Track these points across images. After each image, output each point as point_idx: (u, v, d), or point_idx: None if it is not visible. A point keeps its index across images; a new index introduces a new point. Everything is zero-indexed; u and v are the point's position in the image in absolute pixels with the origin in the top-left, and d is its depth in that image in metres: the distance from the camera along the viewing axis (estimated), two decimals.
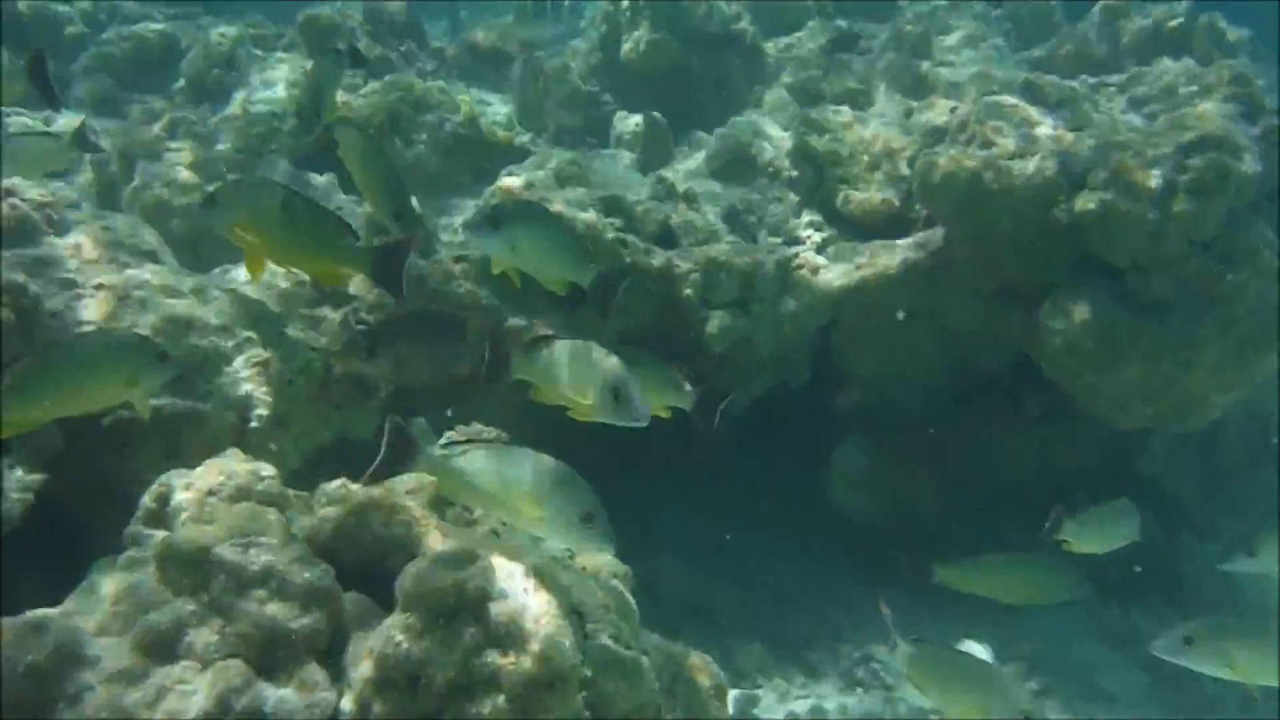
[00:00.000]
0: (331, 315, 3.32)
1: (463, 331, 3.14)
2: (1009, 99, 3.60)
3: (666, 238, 3.64)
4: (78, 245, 2.83)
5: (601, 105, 5.72)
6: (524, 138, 5.37)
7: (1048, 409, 3.74)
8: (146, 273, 2.88)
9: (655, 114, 5.09)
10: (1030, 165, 3.29)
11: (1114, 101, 3.68)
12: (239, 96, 4.92)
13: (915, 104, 3.96)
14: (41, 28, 5.29)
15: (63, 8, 5.40)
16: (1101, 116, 3.48)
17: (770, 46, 5.56)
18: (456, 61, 5.89)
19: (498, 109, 5.66)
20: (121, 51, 5.17)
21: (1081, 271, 3.30)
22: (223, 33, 5.14)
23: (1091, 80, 3.96)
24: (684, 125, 5.26)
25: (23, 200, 2.76)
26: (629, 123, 5.34)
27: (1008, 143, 3.36)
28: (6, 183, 2.77)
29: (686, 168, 4.22)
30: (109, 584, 2.16)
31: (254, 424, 2.89)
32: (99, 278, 2.80)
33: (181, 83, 5.15)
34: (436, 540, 2.39)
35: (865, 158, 3.70)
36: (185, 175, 4.12)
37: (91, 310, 2.74)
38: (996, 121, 3.41)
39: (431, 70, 5.64)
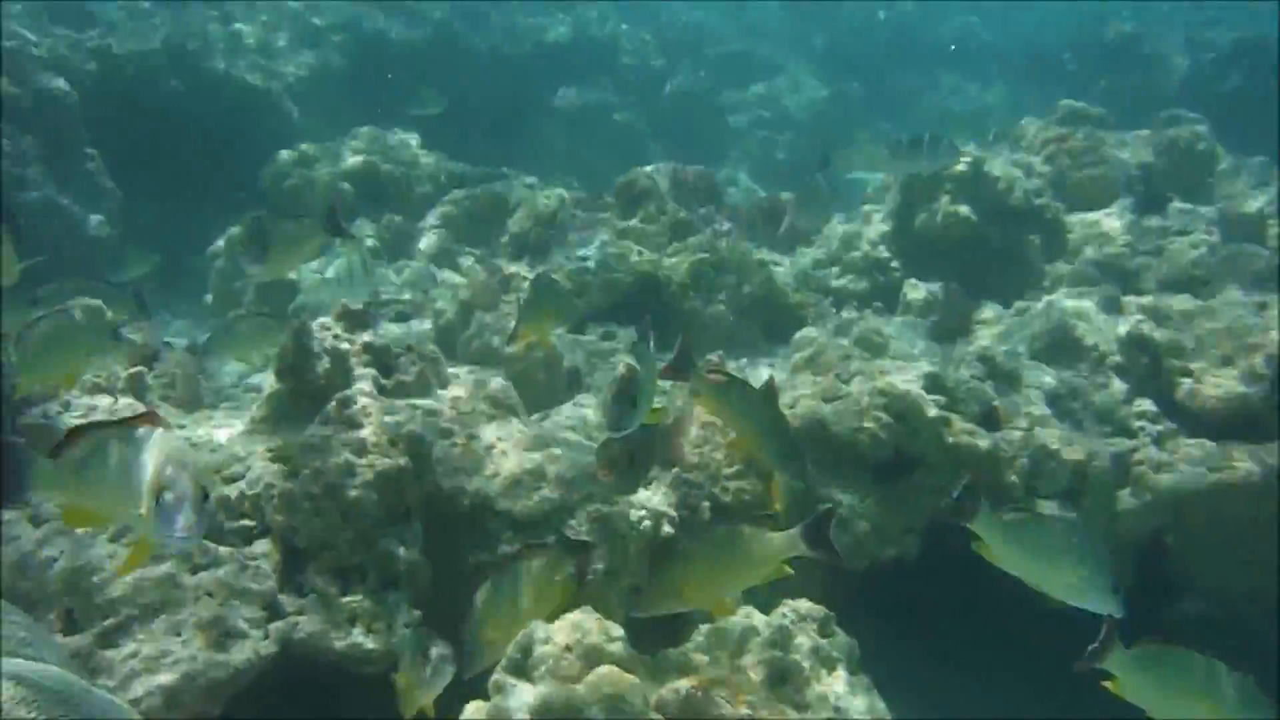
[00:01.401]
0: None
1: None
2: None
3: (989, 418, 3.55)
4: (457, 398, 3.14)
5: (889, 271, 5.78)
6: (813, 300, 5.51)
7: None
8: (512, 427, 3.14)
9: (954, 284, 5.08)
10: None
11: None
12: (559, 252, 5.39)
13: (1267, 297, 3.71)
14: (398, 187, 6.10)
15: (413, 172, 6.21)
16: None
17: (1072, 221, 5.45)
18: (750, 222, 6.17)
19: (787, 271, 5.87)
20: (460, 210, 5.84)
21: None
22: (548, 195, 5.69)
23: None
24: (974, 296, 5.21)
25: (421, 356, 3.11)
26: (921, 291, 5.35)
27: None
28: (409, 341, 3.15)
29: (999, 344, 4.13)
30: None
31: (590, 576, 3.02)
32: (473, 429, 3.09)
33: (506, 238, 5.71)
34: None
35: (1216, 350, 3.49)
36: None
37: (460, 459, 3.02)
38: None
39: (726, 231, 5.94)
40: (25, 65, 5.51)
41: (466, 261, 5.60)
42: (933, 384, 3.58)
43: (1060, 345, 3.92)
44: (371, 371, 3.04)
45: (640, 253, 5.31)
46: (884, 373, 3.63)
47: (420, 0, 9.51)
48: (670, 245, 5.43)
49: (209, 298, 5.88)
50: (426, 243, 5.69)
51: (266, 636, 2.39)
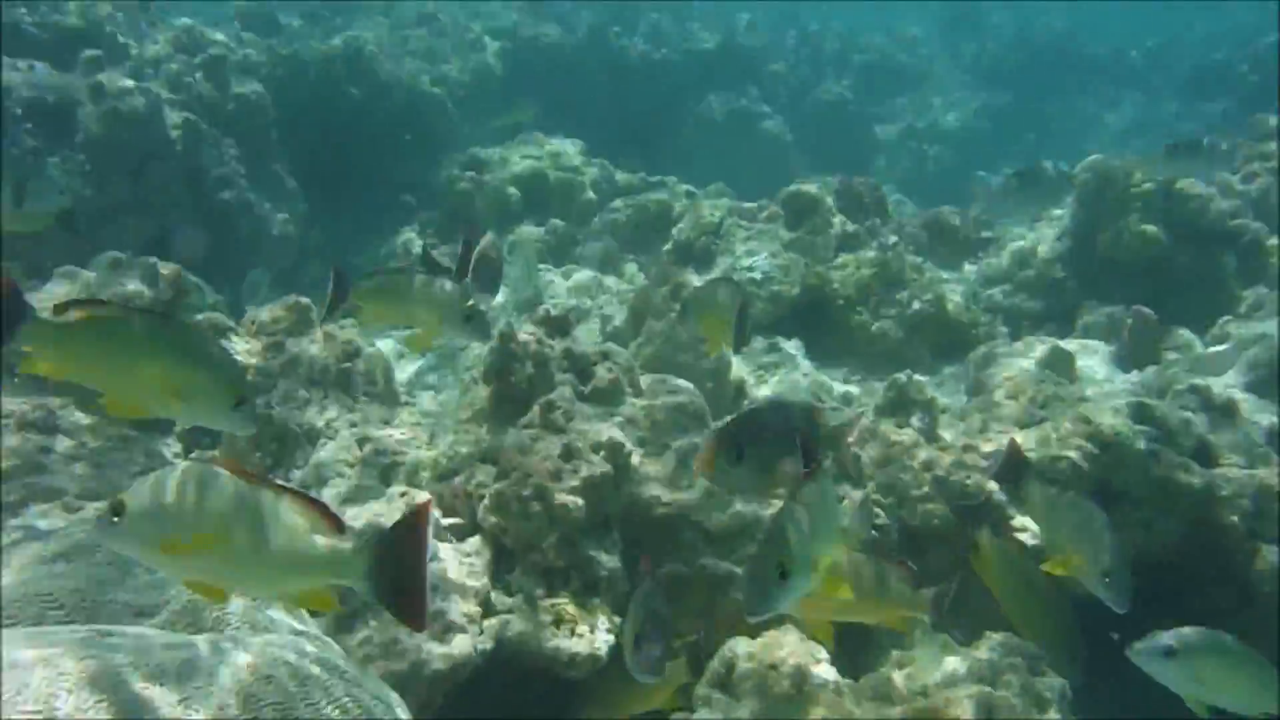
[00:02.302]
0: None
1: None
2: None
3: (1202, 454, 3.34)
4: (651, 407, 3.15)
5: (1065, 291, 5.55)
6: (985, 319, 5.33)
7: None
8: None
9: (1144, 308, 4.82)
10: None
11: None
12: (723, 261, 5.37)
13: None
14: (562, 194, 6.22)
15: (577, 178, 6.32)
16: None
17: (1273, 244, 5.11)
18: (914, 237, 6.02)
19: (953, 287, 5.68)
20: (624, 218, 5.90)
21: None
22: (714, 204, 5.68)
23: None
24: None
25: (616, 364, 3.14)
26: (1100, 313, 5.12)
27: None
28: (598, 347, 3.19)
29: (1202, 375, 3.89)
30: None
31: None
32: (667, 438, 3.09)
33: (669, 245, 5.72)
34: None
35: None
36: (682, 335, 4.52)
37: (656, 468, 3.03)
38: None
39: (891, 245, 5.80)
40: (226, 71, 5.85)
41: (632, 268, 5.65)
42: (1140, 414, 3.39)
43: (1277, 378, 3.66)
44: (570, 377, 3.08)
45: (807, 265, 5.24)
46: (1085, 399, 3.47)
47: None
48: (837, 258, 5.34)
49: None
50: (591, 249, 5.76)
51: (482, 632, 2.44)
